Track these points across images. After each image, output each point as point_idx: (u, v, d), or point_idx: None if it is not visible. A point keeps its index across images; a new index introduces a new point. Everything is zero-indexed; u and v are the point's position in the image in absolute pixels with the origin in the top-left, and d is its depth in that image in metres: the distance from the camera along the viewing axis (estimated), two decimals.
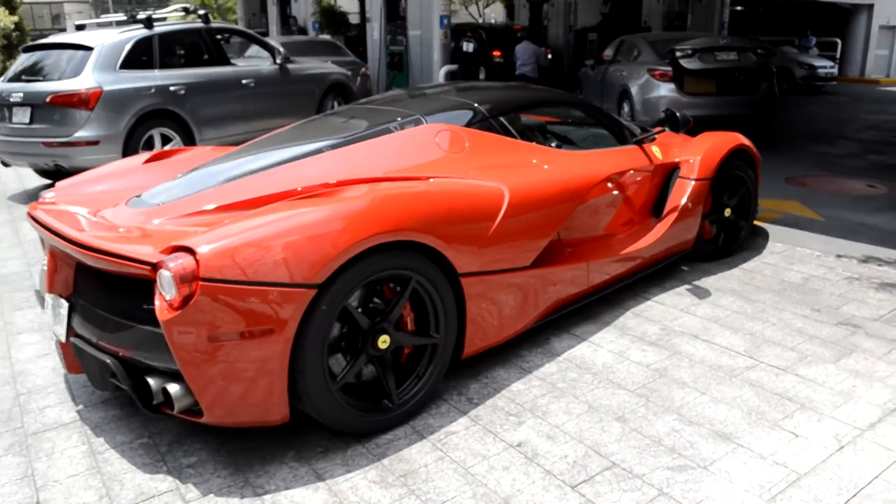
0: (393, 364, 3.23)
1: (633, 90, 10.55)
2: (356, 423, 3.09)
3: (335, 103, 10.83)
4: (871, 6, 25.84)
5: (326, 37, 18.22)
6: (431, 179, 3.61)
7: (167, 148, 7.93)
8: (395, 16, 16.50)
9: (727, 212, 5.29)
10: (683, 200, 4.82)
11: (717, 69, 9.97)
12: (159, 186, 3.65)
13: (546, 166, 4.11)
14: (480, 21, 43.63)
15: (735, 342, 4.06)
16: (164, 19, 8.81)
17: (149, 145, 7.90)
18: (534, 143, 4.36)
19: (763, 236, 6.01)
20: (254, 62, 10.16)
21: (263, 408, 2.85)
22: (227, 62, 9.09)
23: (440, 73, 14.77)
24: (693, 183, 4.87)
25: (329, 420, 3.00)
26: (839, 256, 5.53)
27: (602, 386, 3.60)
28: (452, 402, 3.44)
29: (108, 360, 2.93)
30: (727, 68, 10.02)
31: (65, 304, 3.22)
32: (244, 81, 9.00)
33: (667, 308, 4.55)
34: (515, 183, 3.76)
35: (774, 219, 6.60)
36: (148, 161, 4.32)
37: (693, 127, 5.34)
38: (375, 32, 17.06)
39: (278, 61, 9.65)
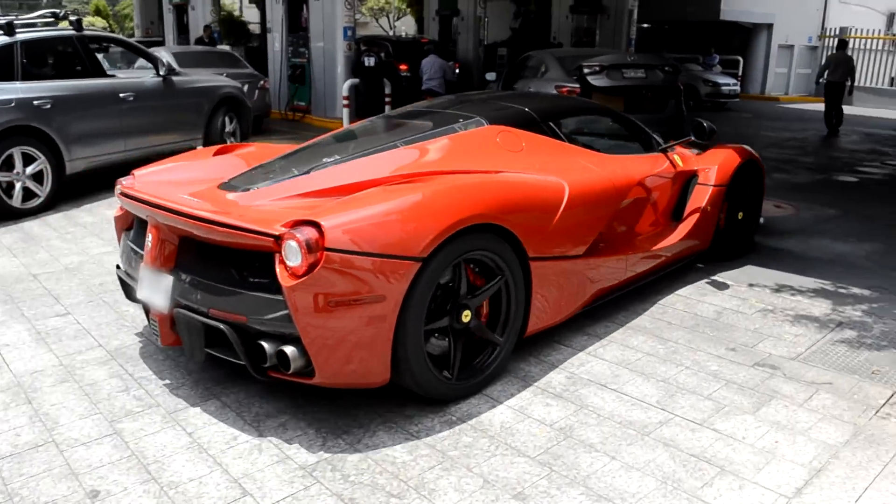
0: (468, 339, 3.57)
1: None
2: (440, 391, 3.43)
3: (226, 119, 10.13)
4: (770, 25, 26.61)
5: (225, 47, 17.40)
6: (502, 173, 3.95)
7: (30, 169, 7.16)
8: (297, 26, 15.84)
9: (740, 215, 5.77)
10: (703, 204, 5.21)
11: (625, 87, 9.77)
12: (242, 175, 3.99)
13: (592, 167, 4.51)
14: (391, 34, 43.22)
15: (647, 391, 3.67)
16: (33, 25, 7.97)
17: (8, 165, 7.06)
18: (578, 146, 4.75)
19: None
20: (135, 74, 9.38)
21: (369, 370, 3.16)
22: (102, 74, 8.30)
23: (343, 88, 14.20)
24: (711, 189, 5.26)
25: (420, 384, 3.32)
26: (751, 286, 5.26)
27: (500, 453, 3.13)
28: (326, 481, 2.91)
29: (224, 327, 3.19)
30: (635, 86, 9.83)
31: (168, 277, 3.43)
32: (122, 95, 8.23)
33: (573, 351, 4.13)
34: (572, 180, 4.14)
35: None
36: (217, 153, 4.63)
37: None
38: (277, 43, 16.35)
39: (162, 73, 8.90)
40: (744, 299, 4.98)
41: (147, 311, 3.72)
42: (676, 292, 5.08)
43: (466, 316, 3.46)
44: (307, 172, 3.82)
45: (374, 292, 3.05)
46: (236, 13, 25.13)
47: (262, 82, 13.70)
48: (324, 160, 3.97)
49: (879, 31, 27.95)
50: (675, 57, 23.47)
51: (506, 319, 3.71)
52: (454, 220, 3.25)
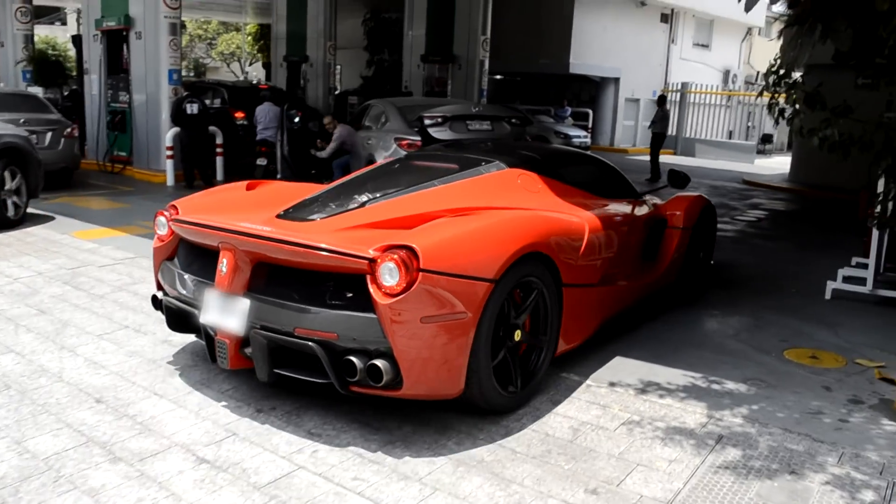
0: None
1: (380, 160, 9.22)
2: (499, 402, 3.76)
3: (6, 174, 8.46)
4: (617, 80, 27.20)
5: (37, 90, 15.45)
6: (537, 210, 4.37)
7: None
8: (118, 68, 14.20)
9: (701, 254, 6.42)
10: (675, 244, 5.81)
11: (470, 140, 8.91)
12: (295, 207, 4.22)
13: (597, 207, 4.99)
14: (243, 79, 41.56)
15: None
16: None
17: None
18: (579, 189, 5.13)
19: None
20: None
21: (449, 382, 3.50)
22: None
23: (167, 137, 12.69)
24: (681, 231, 5.85)
25: (484, 397, 3.65)
26: (613, 385, 4.33)
27: None
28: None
29: (313, 345, 3.44)
30: (481, 139, 8.99)
31: (244, 301, 3.66)
32: None
33: None
34: (587, 217, 4.60)
35: None
36: (248, 188, 4.98)
37: None
38: (95, 86, 14.61)
39: None
40: (605, 407, 4.02)
41: (208, 336, 3.87)
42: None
43: (518, 335, 3.84)
44: (363, 205, 4.17)
45: (456, 310, 3.40)
46: (61, 51, 22.96)
47: (68, 129, 11.95)
48: (374, 195, 4.30)
49: (717, 86, 29.21)
50: (527, 109, 23.41)
51: (545, 329, 4.09)
52: (518, 247, 3.70)
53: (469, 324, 3.44)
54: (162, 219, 4.35)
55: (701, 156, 25.86)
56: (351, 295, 3.49)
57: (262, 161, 12.84)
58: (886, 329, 5.76)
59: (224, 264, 3.75)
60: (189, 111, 12.28)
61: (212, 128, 13.11)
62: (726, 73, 32.33)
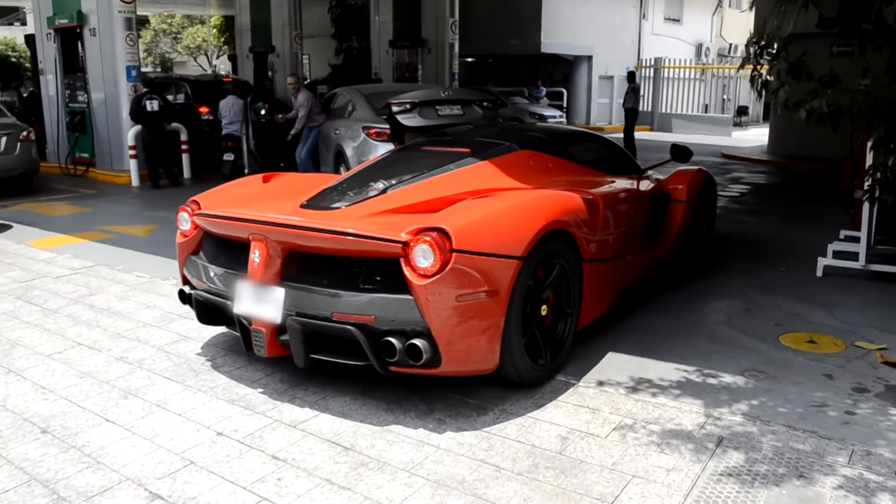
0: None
1: (349, 151, 8.89)
2: (531, 375, 3.88)
3: None
4: (590, 58, 26.89)
5: None
6: (554, 189, 4.46)
7: None
8: (73, 66, 13.67)
9: (704, 226, 6.61)
10: (681, 216, 5.95)
11: (441, 125, 8.57)
12: (317, 197, 4.32)
13: (606, 184, 5.09)
14: (211, 72, 40.81)
15: None
16: None
17: None
18: (587, 167, 5.27)
19: None
20: None
21: (484, 358, 3.61)
22: None
23: (128, 136, 12.23)
24: (685, 204, 5.99)
25: (517, 371, 3.76)
26: (601, 385, 4.04)
27: None
28: None
29: (351, 328, 3.51)
30: (452, 124, 8.65)
31: (279, 289, 3.73)
32: None
33: None
34: (599, 194, 4.67)
35: None
36: (265, 181, 5.03)
37: None
38: (51, 87, 14.08)
39: None
40: (594, 410, 3.72)
41: (242, 326, 3.92)
42: (505, 407, 3.76)
43: (544, 309, 3.94)
44: (384, 192, 4.21)
45: (489, 287, 3.50)
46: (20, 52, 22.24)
47: (24, 133, 11.46)
48: (392, 182, 4.33)
49: (690, 60, 28.99)
50: (500, 90, 23.05)
51: (568, 303, 4.18)
52: (543, 224, 3.79)
53: (501, 300, 3.56)
54: (184, 214, 4.41)
55: (678, 131, 25.66)
56: (385, 278, 3.58)
57: (228, 156, 12.44)
58: (883, 306, 5.52)
59: (256, 255, 3.81)
60: (149, 108, 11.82)
61: (175, 124, 12.66)
62: (699, 47, 32.12)
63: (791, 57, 4.68)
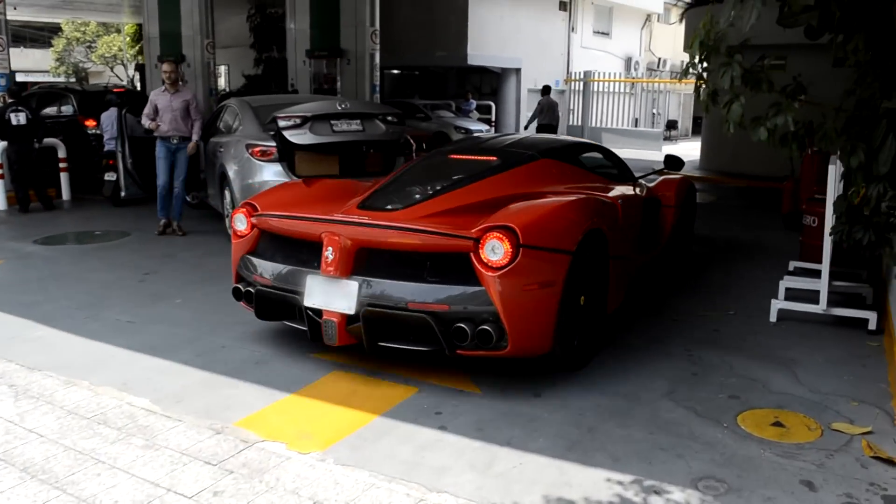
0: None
1: (231, 174, 7.62)
2: (571, 357, 4.26)
3: None
4: (518, 70, 26.11)
5: None
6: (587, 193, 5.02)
7: None
8: None
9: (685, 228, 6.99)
10: (671, 220, 6.45)
11: (338, 143, 7.40)
12: (372, 198, 4.71)
13: (615, 189, 5.55)
14: (127, 83, 38.69)
15: None
16: None
17: None
18: (597, 175, 5.84)
19: (380, 439, 3.27)
20: None
21: (542, 341, 3.98)
22: None
23: None
24: (674, 209, 6.47)
25: (563, 353, 4.13)
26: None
27: None
28: None
29: (426, 316, 3.85)
30: (352, 141, 7.49)
31: (353, 283, 4.07)
32: None
33: None
34: (616, 198, 5.20)
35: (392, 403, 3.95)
36: (307, 185, 5.45)
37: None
38: None
39: None
40: None
41: (310, 318, 4.24)
42: None
43: (582, 299, 4.30)
44: (435, 195, 4.58)
45: (547, 278, 3.94)
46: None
47: None
48: (436, 187, 4.71)
49: (620, 74, 28.49)
50: (425, 103, 22.02)
51: (601, 295, 4.63)
52: (587, 224, 4.33)
53: (556, 290, 3.95)
54: (241, 216, 4.74)
55: (608, 145, 24.89)
56: (451, 271, 3.95)
57: (110, 176, 10.95)
58: (852, 365, 4.56)
59: (330, 251, 4.11)
60: (14, 121, 10.28)
61: (51, 140, 11.15)
62: (628, 61, 31.74)
63: (746, 62, 3.67)
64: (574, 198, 4.66)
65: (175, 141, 8.26)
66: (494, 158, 5.24)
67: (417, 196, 4.61)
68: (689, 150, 22.80)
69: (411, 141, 8.08)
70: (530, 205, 4.32)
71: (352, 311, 4.04)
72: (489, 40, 24.77)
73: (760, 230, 9.33)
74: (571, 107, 27.44)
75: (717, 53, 3.65)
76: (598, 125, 26.48)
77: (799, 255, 7.25)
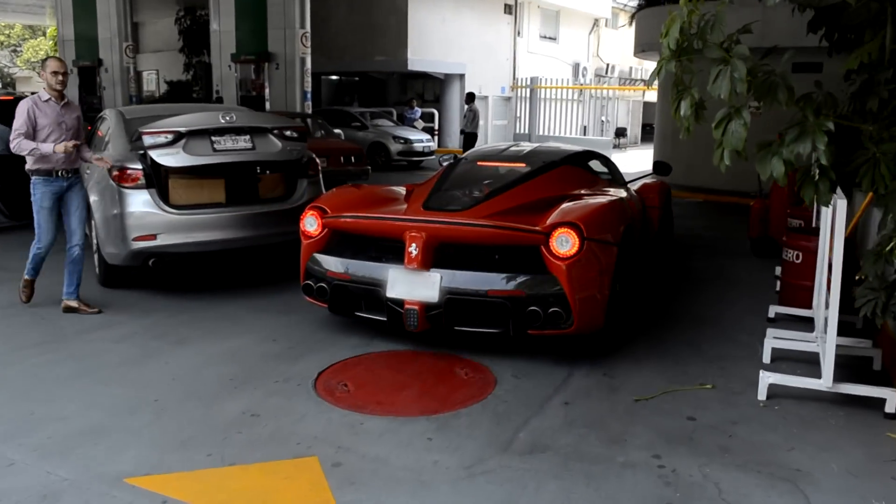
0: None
1: (93, 202, 6.16)
2: (612, 333, 4.96)
3: None
4: (462, 76, 24.88)
5: None
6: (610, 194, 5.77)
7: None
8: None
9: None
10: (656, 220, 6.89)
11: (222, 164, 6.01)
12: (432, 200, 5.10)
13: (621, 191, 6.09)
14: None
15: None
16: None
17: None
18: (604, 178, 6.48)
19: None
20: None
21: (598, 320, 4.64)
22: None
23: None
24: (657, 210, 6.94)
25: (606, 329, 4.77)
26: None
27: None
28: None
29: (504, 302, 4.44)
30: (240, 162, 6.10)
31: (436, 274, 4.56)
32: None
33: None
34: (631, 199, 6.04)
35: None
36: (360, 189, 5.87)
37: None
38: None
39: None
40: None
41: (390, 308, 4.67)
42: None
43: (618, 286, 4.93)
44: (490, 196, 5.05)
45: (603, 266, 4.61)
46: None
47: None
48: (485, 190, 5.17)
49: (567, 80, 27.50)
50: (361, 111, 20.60)
51: (631, 281, 5.47)
52: (627, 220, 5.30)
53: (608, 276, 4.68)
54: (312, 218, 5.13)
55: None
56: (523, 262, 4.56)
57: None
58: (882, 477, 3.35)
59: (414, 247, 4.57)
60: None
61: None
62: (576, 67, 30.78)
63: (749, 60, 2.42)
64: (613, 198, 5.36)
65: (66, 177, 5.56)
66: (524, 165, 5.75)
67: (475, 198, 5.05)
68: (639, 157, 21.87)
69: (316, 159, 6.71)
70: (582, 204, 4.91)
71: (435, 300, 4.51)
72: (431, 45, 23.51)
73: (726, 257, 8.19)
74: (518, 114, 26.33)
75: (706, 47, 2.40)
76: (546, 133, 25.39)
77: (778, 297, 6.10)
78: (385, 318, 4.76)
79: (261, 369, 4.57)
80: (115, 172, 5.88)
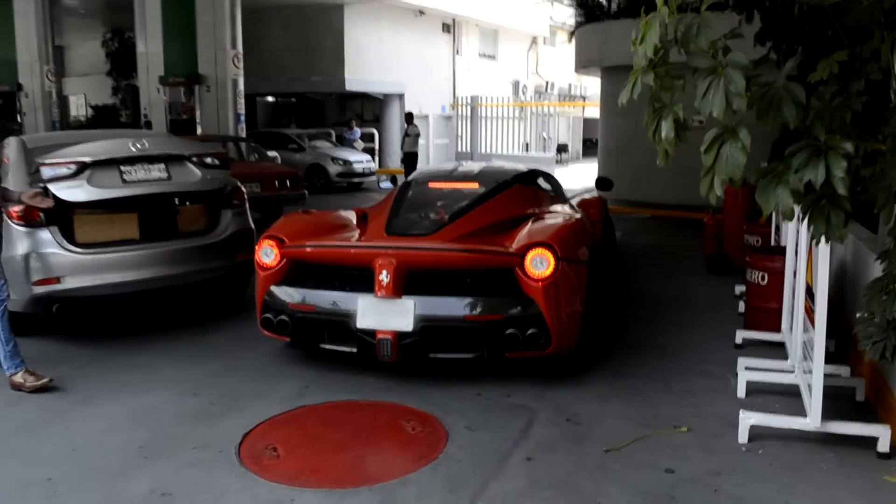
0: None
1: None
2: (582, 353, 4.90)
3: None
4: (401, 96, 24.44)
5: None
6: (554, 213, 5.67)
7: None
8: None
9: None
10: (599, 233, 6.49)
11: (134, 197, 5.39)
12: (395, 226, 4.93)
13: (569, 208, 6.09)
14: None
15: None
16: None
17: None
18: (552, 196, 6.42)
19: None
20: None
21: (573, 339, 4.59)
22: None
23: None
24: (600, 224, 6.73)
25: (577, 347, 4.71)
26: None
27: None
28: None
29: (481, 326, 4.35)
30: (154, 194, 5.50)
31: (409, 301, 4.37)
32: None
33: None
34: (583, 216, 5.72)
35: None
36: (310, 215, 5.64)
37: None
38: None
39: None
40: None
41: (361, 339, 4.47)
42: None
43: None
44: (453, 220, 4.92)
45: (576, 285, 4.59)
46: None
47: None
48: (448, 213, 5.05)
49: (508, 98, 27.31)
50: (298, 133, 19.97)
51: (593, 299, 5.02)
52: (593, 239, 5.30)
53: (581, 295, 4.66)
54: (269, 248, 4.81)
55: None
56: (495, 285, 4.46)
57: None
58: None
59: (385, 274, 4.37)
60: None
61: None
62: (516, 84, 30.66)
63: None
64: (577, 217, 5.37)
65: None
66: (477, 185, 5.60)
67: (436, 221, 4.94)
68: (581, 172, 21.72)
69: (242, 188, 6.13)
70: (550, 224, 4.96)
71: (409, 328, 4.33)
72: (369, 64, 23.02)
73: (682, 276, 7.85)
74: (460, 133, 25.97)
75: (691, 55, 1.95)
76: (488, 151, 25.09)
77: (744, 321, 5.74)
78: (355, 349, 4.54)
79: (176, 433, 3.96)
80: (10, 209, 5.22)
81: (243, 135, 17.12)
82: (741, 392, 4.35)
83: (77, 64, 32.12)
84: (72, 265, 5.22)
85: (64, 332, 5.69)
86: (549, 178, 6.91)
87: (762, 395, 4.35)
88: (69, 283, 5.23)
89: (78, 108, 31.45)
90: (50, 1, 20.26)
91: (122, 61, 25.90)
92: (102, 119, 22.62)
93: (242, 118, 17.52)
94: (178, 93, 18.33)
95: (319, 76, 23.00)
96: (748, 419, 3.78)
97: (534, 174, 6.47)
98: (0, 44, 20.96)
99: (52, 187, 5.10)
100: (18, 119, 21.08)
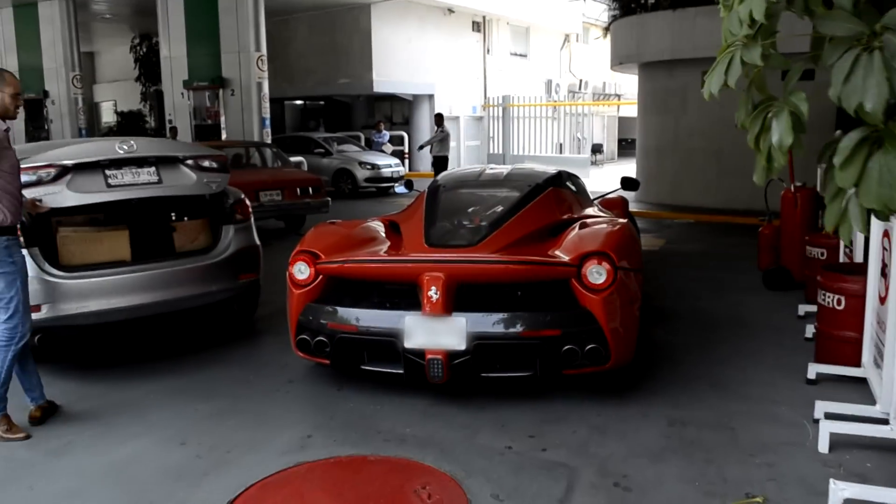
0: None
1: None
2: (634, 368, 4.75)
3: None
4: (431, 97, 23.85)
5: None
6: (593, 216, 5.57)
7: None
8: None
9: None
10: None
11: (120, 203, 4.86)
12: (434, 237, 4.62)
13: (597, 210, 6.04)
14: None
15: None
16: None
17: None
18: (583, 198, 6.22)
19: None
20: None
21: (631, 351, 4.37)
22: None
23: None
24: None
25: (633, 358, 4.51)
26: None
27: None
28: None
29: (539, 343, 4.09)
30: (147, 206, 4.94)
31: (460, 319, 4.09)
32: None
33: None
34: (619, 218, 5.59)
35: None
36: (342, 226, 5.24)
37: None
38: None
39: None
40: None
41: (408, 360, 4.16)
42: None
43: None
44: (494, 228, 4.62)
45: (633, 294, 4.37)
46: None
47: None
48: (488, 221, 4.75)
49: (541, 97, 26.57)
50: (325, 137, 19.45)
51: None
52: (640, 244, 5.15)
53: (638, 305, 4.45)
54: (302, 264, 4.50)
55: None
56: (550, 297, 4.23)
57: None
58: None
59: (433, 291, 4.08)
60: None
61: None
62: (549, 83, 29.88)
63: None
64: (623, 221, 5.02)
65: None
66: (509, 190, 5.37)
67: (474, 230, 4.69)
68: (618, 174, 20.81)
69: (246, 201, 5.55)
70: (601, 231, 4.67)
71: (462, 347, 4.09)
72: (397, 65, 22.48)
73: (735, 293, 7.10)
74: (492, 134, 25.30)
75: (822, 18, 1.28)
76: (521, 152, 24.39)
77: (815, 352, 5.01)
78: (402, 371, 4.25)
79: (153, 496, 3.37)
80: None
81: (268, 139, 16.66)
82: (823, 446, 3.64)
83: (107, 70, 32.08)
84: (54, 291, 4.67)
85: (51, 362, 5.15)
86: (574, 178, 6.60)
87: (848, 449, 3.64)
88: (51, 312, 4.67)
89: (107, 114, 31.39)
90: (76, 6, 20.04)
91: (149, 66, 25.67)
92: (129, 125, 22.35)
93: (267, 122, 17.08)
94: (203, 97, 17.95)
95: (347, 78, 22.53)
96: (841, 491, 3.08)
97: (562, 176, 6.10)
98: (25, 50, 20.84)
99: (29, 193, 4.55)
100: (45, 126, 20.92)
